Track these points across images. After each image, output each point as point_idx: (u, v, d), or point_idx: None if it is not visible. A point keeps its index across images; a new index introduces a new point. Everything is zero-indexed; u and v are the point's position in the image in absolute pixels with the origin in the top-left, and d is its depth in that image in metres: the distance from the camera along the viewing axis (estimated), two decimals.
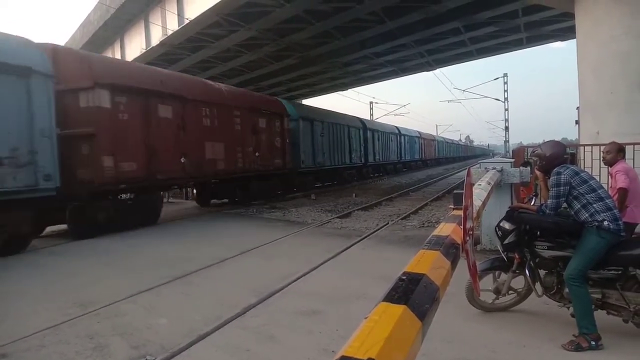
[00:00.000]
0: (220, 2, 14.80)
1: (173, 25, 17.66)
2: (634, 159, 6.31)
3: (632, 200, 4.78)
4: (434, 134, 66.02)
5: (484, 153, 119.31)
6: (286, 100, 20.76)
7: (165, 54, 20.82)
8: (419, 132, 44.98)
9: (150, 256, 7.66)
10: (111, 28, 20.96)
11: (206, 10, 15.55)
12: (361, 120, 28.79)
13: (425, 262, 1.67)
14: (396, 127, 37.40)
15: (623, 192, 4.65)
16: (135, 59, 20.19)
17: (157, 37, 19.09)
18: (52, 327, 4.35)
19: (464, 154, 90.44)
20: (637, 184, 4.87)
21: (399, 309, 1.21)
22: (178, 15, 17.15)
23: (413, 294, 1.33)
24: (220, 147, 13.32)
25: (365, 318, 1.16)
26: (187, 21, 16.68)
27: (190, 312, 4.80)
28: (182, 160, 11.71)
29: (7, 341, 4.02)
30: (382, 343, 1.01)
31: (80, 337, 4.11)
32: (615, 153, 5.07)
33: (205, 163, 12.77)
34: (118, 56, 21.83)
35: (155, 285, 5.73)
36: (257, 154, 15.16)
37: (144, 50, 20.13)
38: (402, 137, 37.49)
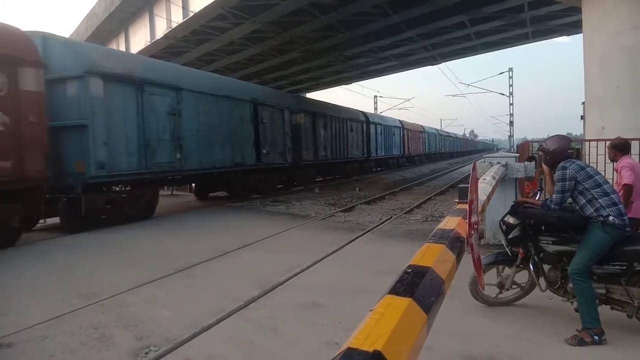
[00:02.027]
0: None
1: (177, 18, 17.60)
2: (639, 154, 6.26)
3: (637, 195, 4.76)
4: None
5: (487, 148, 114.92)
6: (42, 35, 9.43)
7: (169, 47, 20.76)
8: (400, 121, 37.18)
9: (152, 249, 7.69)
10: (116, 20, 20.92)
11: (211, 3, 15.49)
12: (290, 96, 20.74)
13: (430, 255, 1.66)
14: (362, 112, 29.29)
15: (628, 188, 4.63)
16: (140, 52, 20.16)
17: (161, 29, 19.04)
18: (56, 318, 4.38)
19: (463, 149, 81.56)
20: None
21: (404, 302, 1.21)
22: (183, 7, 17.09)
23: (418, 287, 1.32)
24: None
25: (371, 310, 1.16)
26: (191, 14, 16.62)
27: (193, 304, 4.81)
28: None
29: (12, 331, 4.04)
30: (388, 335, 1.00)
31: (84, 328, 4.14)
32: (609, 149, 5.07)
33: None
34: (123, 48, 21.82)
35: (158, 277, 5.76)
36: None
37: (148, 43, 20.10)
38: (372, 126, 28.96)
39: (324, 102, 24.79)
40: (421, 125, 45.27)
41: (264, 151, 16.14)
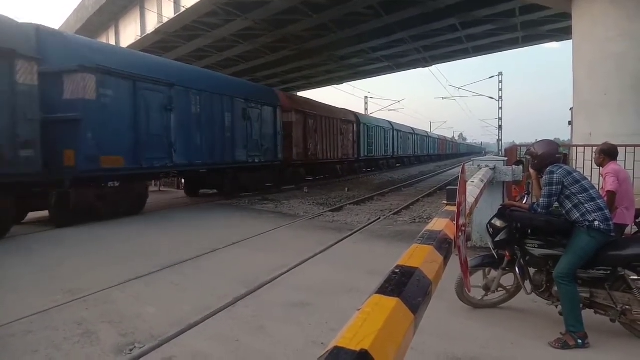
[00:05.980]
0: None
1: (169, 13, 17.50)
2: (625, 160, 6.33)
3: (622, 201, 4.81)
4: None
5: (473, 152, 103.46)
6: None
7: (160, 42, 20.63)
8: (279, 95, 18.64)
9: (139, 245, 7.62)
10: (106, 14, 20.76)
11: None
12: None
13: (418, 256, 1.66)
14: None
15: (611, 195, 4.68)
16: (130, 46, 19.99)
17: (152, 24, 18.92)
18: (40, 313, 4.32)
19: (440, 152, 62.08)
20: (628, 186, 4.91)
21: (392, 302, 1.21)
22: (174, 2, 16.99)
23: (406, 287, 1.33)
24: None
25: (358, 309, 1.16)
26: (183, 9, 16.54)
27: (180, 301, 4.78)
28: None
29: None
30: (375, 335, 1.00)
31: (68, 324, 4.08)
32: (598, 154, 5.11)
33: None
34: (113, 42, 21.61)
35: (145, 274, 5.70)
36: None
37: (138, 38, 19.96)
38: (181, 92, 11.84)
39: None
40: (353, 113, 28.39)
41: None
